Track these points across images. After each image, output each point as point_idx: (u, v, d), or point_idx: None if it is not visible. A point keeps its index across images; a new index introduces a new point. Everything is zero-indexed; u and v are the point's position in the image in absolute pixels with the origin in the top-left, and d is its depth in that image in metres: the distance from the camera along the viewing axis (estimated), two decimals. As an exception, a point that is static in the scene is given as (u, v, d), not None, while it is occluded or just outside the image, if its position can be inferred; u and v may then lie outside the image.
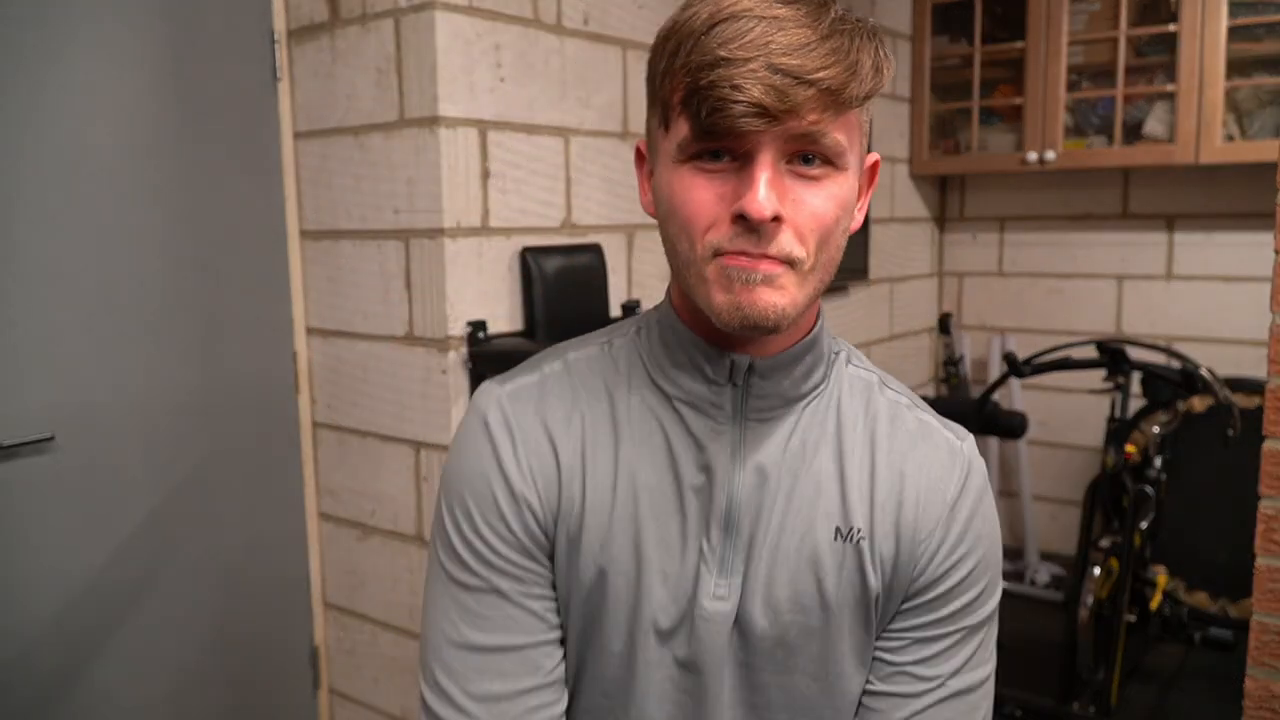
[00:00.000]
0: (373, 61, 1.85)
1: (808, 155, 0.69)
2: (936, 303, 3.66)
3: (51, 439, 1.64)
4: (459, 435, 0.84)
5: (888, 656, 0.83)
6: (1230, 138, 2.83)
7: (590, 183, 2.06)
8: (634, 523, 0.79)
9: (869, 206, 0.82)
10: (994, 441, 3.48)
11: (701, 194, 0.70)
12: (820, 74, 0.65)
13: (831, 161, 0.70)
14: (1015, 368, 2.67)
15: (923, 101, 3.32)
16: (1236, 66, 2.79)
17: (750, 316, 0.70)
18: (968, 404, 2.90)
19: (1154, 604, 2.58)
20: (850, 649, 0.82)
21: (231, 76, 1.89)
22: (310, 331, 2.05)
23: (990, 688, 0.84)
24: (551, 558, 0.81)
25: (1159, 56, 2.90)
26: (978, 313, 3.58)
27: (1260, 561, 1.24)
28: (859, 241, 3.06)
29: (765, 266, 0.69)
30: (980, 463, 0.85)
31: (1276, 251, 1.22)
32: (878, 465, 0.81)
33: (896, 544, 0.81)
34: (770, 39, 0.65)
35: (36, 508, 1.64)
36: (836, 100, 0.67)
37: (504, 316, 1.89)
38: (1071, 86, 3.04)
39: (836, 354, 0.85)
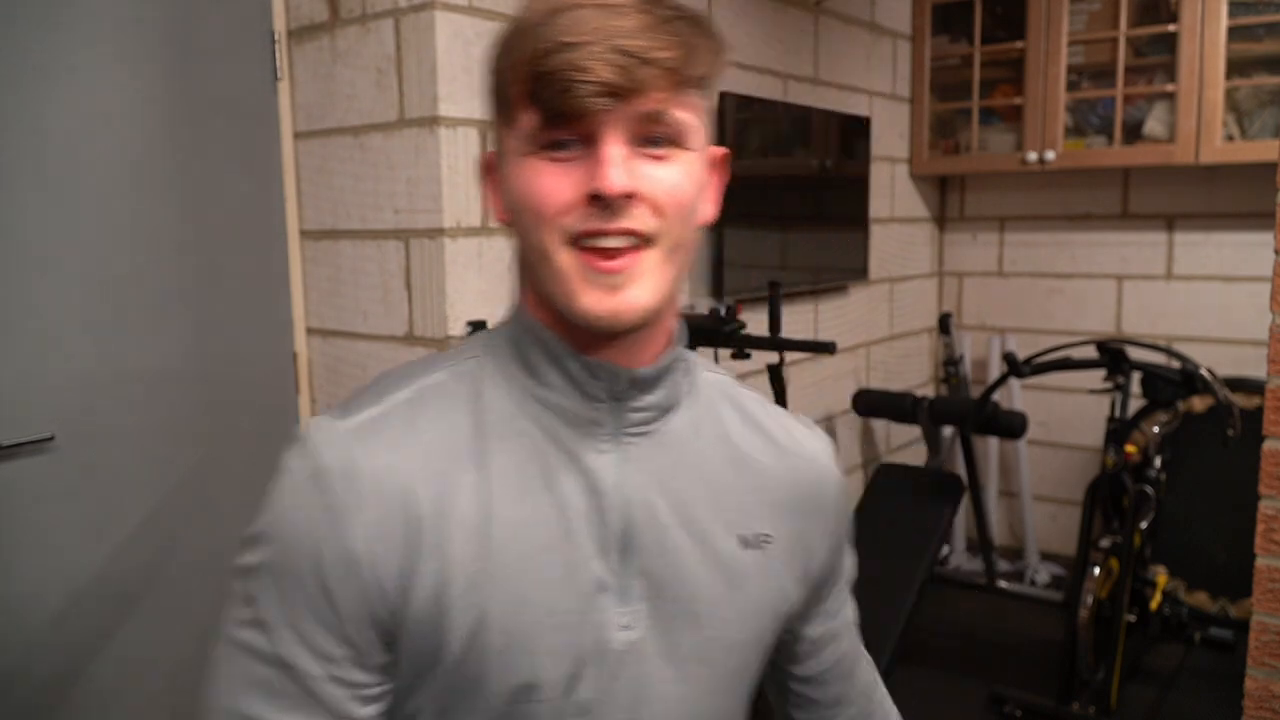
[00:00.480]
0: (373, 61, 1.85)
1: (654, 138, 0.69)
2: (936, 303, 3.66)
3: (51, 439, 1.64)
4: (280, 483, 0.70)
5: (806, 632, 0.89)
6: (1230, 138, 2.83)
7: (590, 183, 2.06)
8: (511, 566, 0.70)
9: (722, 201, 0.81)
10: (994, 441, 3.48)
11: (552, 180, 0.68)
12: (662, 54, 0.66)
13: (677, 141, 0.70)
14: (1015, 368, 2.68)
15: (923, 101, 3.32)
16: (1236, 66, 2.80)
17: (618, 319, 0.69)
18: (968, 404, 2.90)
19: (1154, 604, 2.58)
20: (758, 657, 0.82)
21: (231, 76, 1.89)
22: (310, 331, 2.05)
23: None
24: (395, 636, 0.69)
25: (1159, 56, 2.90)
26: (978, 313, 3.58)
27: (1260, 561, 1.24)
28: (859, 241, 3.07)
29: (624, 262, 0.68)
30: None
31: (1276, 251, 1.22)
32: (765, 462, 0.82)
33: (803, 540, 0.83)
34: (610, 23, 0.66)
35: (36, 508, 1.64)
36: (678, 79, 0.68)
37: (504, 316, 1.89)
38: (1071, 86, 3.04)
39: (698, 362, 0.85)
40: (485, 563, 0.70)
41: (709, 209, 0.77)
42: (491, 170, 0.77)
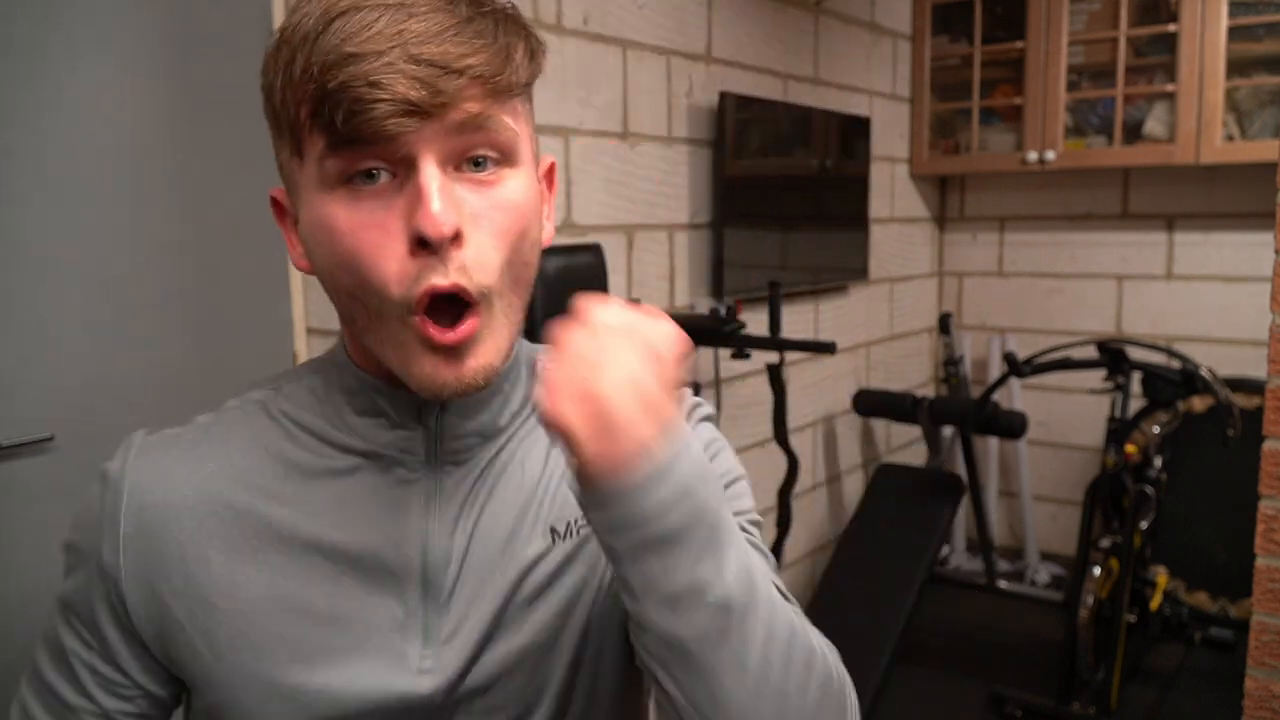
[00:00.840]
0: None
1: (477, 158, 0.60)
2: (936, 303, 3.66)
3: (51, 439, 1.64)
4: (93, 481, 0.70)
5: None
6: (1230, 138, 2.83)
7: (590, 183, 2.06)
8: (283, 601, 0.65)
9: (555, 216, 0.71)
10: (994, 441, 3.49)
11: (365, 228, 0.58)
12: (470, 60, 0.57)
13: (505, 158, 0.61)
14: (1015, 368, 2.68)
15: (923, 101, 3.32)
16: (1236, 66, 2.80)
17: (460, 385, 0.61)
18: (968, 404, 2.90)
19: (1154, 604, 2.58)
20: (608, 651, 0.72)
21: (231, 76, 1.88)
22: (310, 331, 2.05)
23: None
24: (148, 651, 0.68)
25: (1159, 56, 2.90)
26: (978, 313, 3.58)
27: (1260, 561, 1.24)
28: (859, 241, 3.07)
29: (462, 331, 0.60)
30: (696, 403, 0.78)
31: (1277, 251, 1.22)
32: None
33: None
34: (402, 27, 0.56)
35: (36, 508, 1.64)
36: (494, 87, 0.58)
37: (504, 316, 1.89)
38: (1071, 86, 3.04)
39: (536, 359, 0.72)
40: (249, 593, 0.65)
41: (548, 228, 0.68)
42: (284, 212, 0.67)
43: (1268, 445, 1.22)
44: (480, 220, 0.60)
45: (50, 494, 1.66)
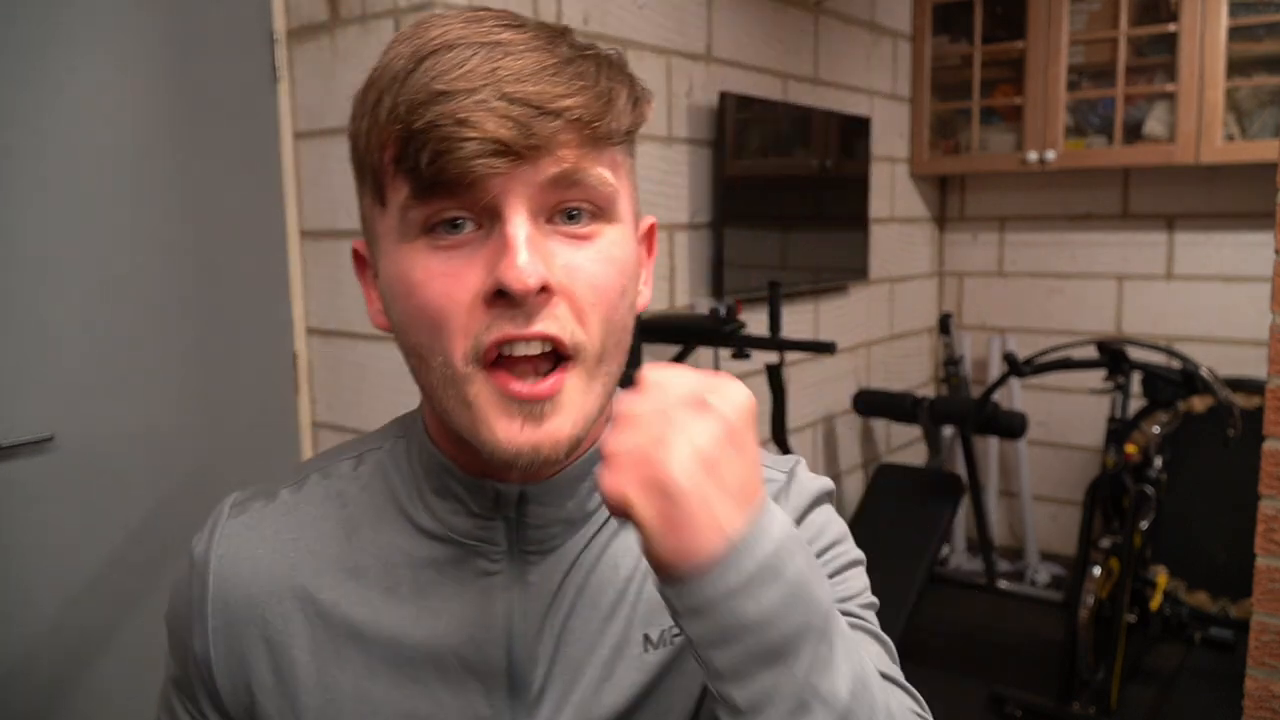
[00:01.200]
0: (373, 61, 1.84)
1: (571, 210, 0.55)
2: (936, 303, 3.66)
3: (51, 439, 1.64)
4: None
5: None
6: (1230, 138, 2.83)
7: (590, 183, 2.06)
8: (372, 699, 0.62)
9: (653, 280, 0.65)
10: (994, 441, 3.49)
11: (442, 275, 0.54)
12: (567, 101, 0.52)
13: (602, 212, 0.56)
14: (1015, 368, 2.68)
15: (923, 101, 3.32)
16: (1236, 66, 2.80)
17: (538, 453, 0.55)
18: (968, 404, 2.90)
19: (1154, 604, 2.58)
20: None
21: (231, 76, 1.88)
22: (310, 331, 2.05)
23: None
24: None
25: (1159, 56, 2.90)
26: (978, 313, 3.58)
27: (1260, 561, 1.24)
28: (859, 241, 3.07)
29: (546, 387, 0.54)
30: (811, 481, 0.70)
31: (1277, 251, 1.22)
32: None
33: None
34: (497, 65, 0.52)
35: (36, 508, 1.64)
36: (593, 134, 0.53)
37: (504, 316, 1.89)
38: (1071, 86, 3.04)
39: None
40: (337, 690, 0.62)
41: (645, 293, 0.63)
42: (364, 265, 0.63)
43: (1268, 445, 1.22)
44: (574, 276, 0.55)
45: (50, 494, 1.66)
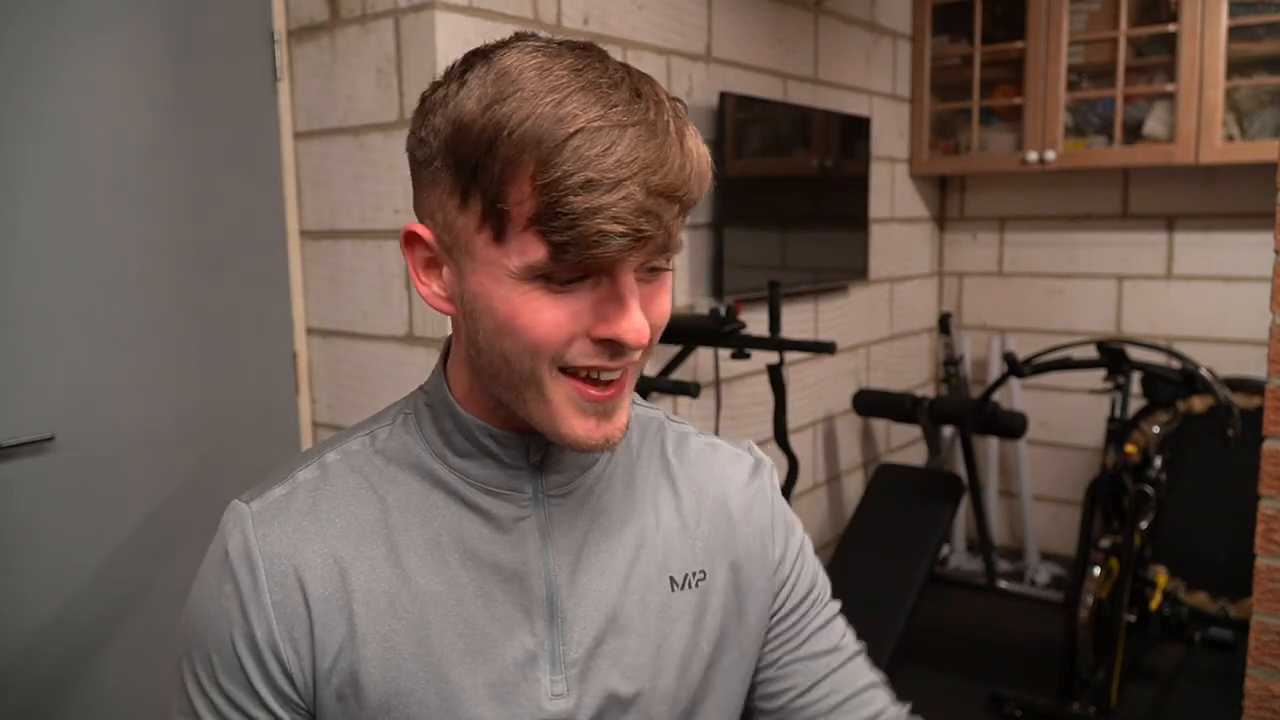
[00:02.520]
0: (373, 61, 1.85)
1: (654, 266, 0.66)
2: (936, 303, 3.66)
3: (51, 439, 1.64)
4: (202, 568, 0.72)
5: (778, 664, 0.82)
6: (1230, 138, 2.83)
7: (590, 183, 2.06)
8: (428, 643, 0.68)
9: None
10: (994, 441, 3.49)
11: (553, 314, 0.62)
12: (685, 189, 0.61)
13: (670, 262, 0.68)
14: (1015, 368, 2.68)
15: (923, 101, 3.32)
16: (1236, 66, 2.80)
17: (609, 445, 0.67)
18: (968, 404, 2.90)
19: (1154, 604, 2.58)
20: (717, 705, 0.77)
21: (231, 76, 1.89)
22: (310, 332, 2.05)
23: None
24: (315, 714, 0.70)
25: (1159, 56, 2.90)
26: (978, 313, 3.58)
27: (1260, 561, 1.24)
28: (859, 241, 3.07)
29: (613, 392, 0.66)
30: (768, 459, 0.85)
31: (1276, 251, 1.22)
32: (683, 496, 0.79)
33: (737, 570, 0.78)
34: (635, 156, 0.58)
35: (36, 508, 1.64)
36: (692, 206, 0.64)
37: (504, 316, 1.89)
38: (1071, 86, 3.04)
39: None
40: (395, 640, 0.68)
41: None
42: (418, 245, 0.68)
43: (1268, 445, 1.22)
44: (650, 307, 0.66)
45: (50, 494, 1.66)
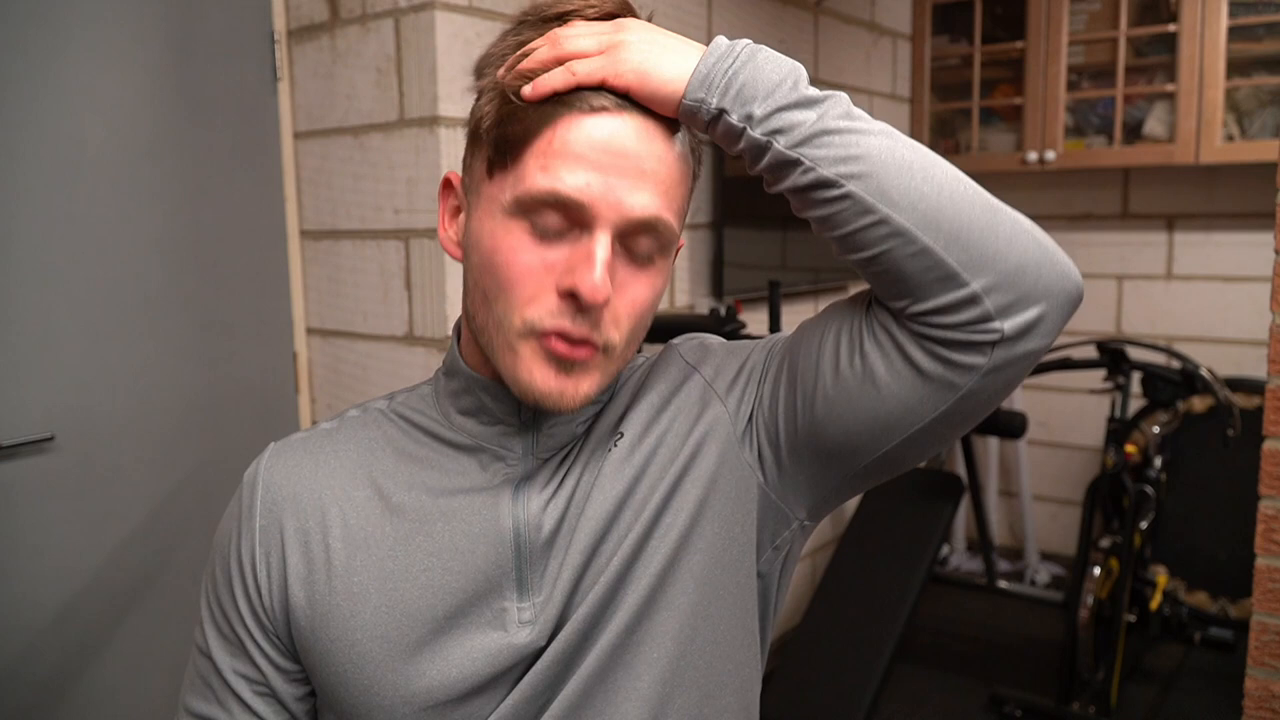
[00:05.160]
0: (373, 61, 1.85)
1: (644, 251, 0.69)
2: (936, 303, 3.65)
3: (51, 439, 1.64)
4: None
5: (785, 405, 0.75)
6: (1230, 138, 2.83)
7: (590, 183, 2.06)
8: (395, 575, 0.71)
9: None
10: (994, 441, 3.49)
11: (528, 258, 0.66)
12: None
13: (661, 250, 0.70)
14: (1015, 368, 2.67)
15: (923, 101, 3.32)
16: (1236, 66, 2.80)
17: (556, 404, 0.68)
18: (968, 404, 2.89)
19: (1154, 604, 2.58)
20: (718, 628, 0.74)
21: (231, 76, 1.89)
22: (310, 331, 2.05)
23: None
24: (285, 639, 0.74)
25: (1159, 56, 2.90)
26: (978, 313, 3.58)
27: (1260, 561, 1.24)
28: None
29: (582, 354, 0.67)
30: (675, 340, 0.87)
31: (1277, 251, 1.22)
32: (628, 394, 0.78)
33: (675, 413, 0.76)
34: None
35: (36, 508, 1.64)
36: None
37: (504, 316, 1.89)
38: (1071, 86, 3.04)
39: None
40: (362, 575, 0.72)
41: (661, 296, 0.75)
42: (451, 192, 0.75)
43: (1268, 445, 1.22)
44: (625, 290, 0.68)
45: (50, 494, 1.66)
